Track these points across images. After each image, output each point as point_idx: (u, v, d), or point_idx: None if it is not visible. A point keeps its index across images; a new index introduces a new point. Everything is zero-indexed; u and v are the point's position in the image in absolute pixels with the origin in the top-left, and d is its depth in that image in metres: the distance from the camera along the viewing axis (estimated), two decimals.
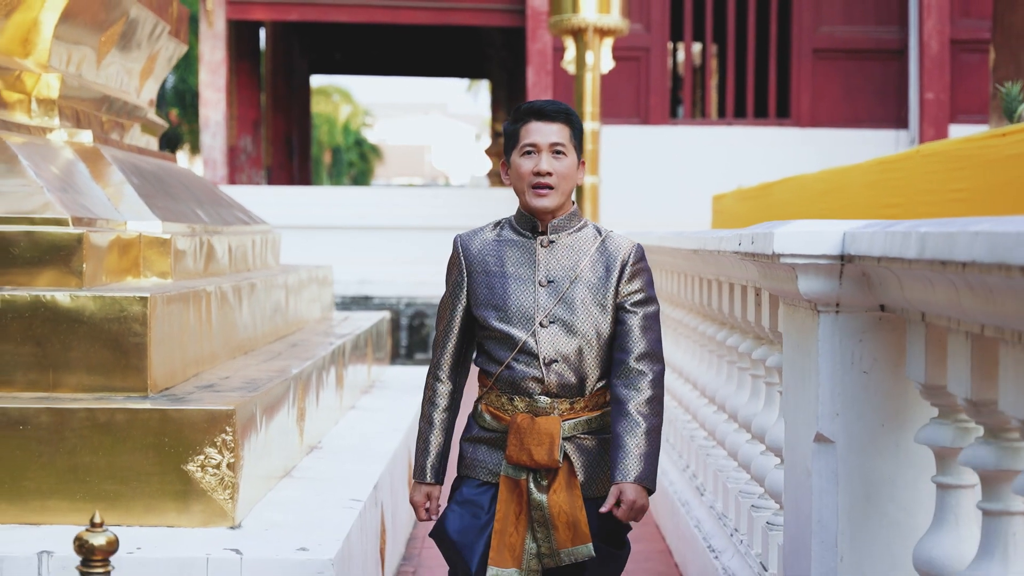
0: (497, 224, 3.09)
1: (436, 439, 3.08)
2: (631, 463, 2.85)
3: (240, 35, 18.96)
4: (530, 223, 3.01)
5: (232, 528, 3.73)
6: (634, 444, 2.86)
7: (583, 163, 3.00)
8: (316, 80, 34.48)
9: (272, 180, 20.92)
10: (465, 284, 3.04)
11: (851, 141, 16.27)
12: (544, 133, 2.94)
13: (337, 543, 3.62)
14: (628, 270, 2.95)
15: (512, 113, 3.03)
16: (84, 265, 4.17)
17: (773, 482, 3.70)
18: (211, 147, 17.21)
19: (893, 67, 16.67)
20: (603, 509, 2.86)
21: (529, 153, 2.95)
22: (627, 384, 2.90)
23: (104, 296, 3.95)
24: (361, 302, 14.84)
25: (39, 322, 3.93)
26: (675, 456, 5.81)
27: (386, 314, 8.25)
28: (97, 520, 2.12)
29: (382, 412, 6.29)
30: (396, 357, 14.38)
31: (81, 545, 2.08)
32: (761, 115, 17.11)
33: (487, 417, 3.02)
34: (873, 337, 2.58)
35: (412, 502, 3.13)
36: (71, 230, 4.20)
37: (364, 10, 16.84)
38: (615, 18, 13.25)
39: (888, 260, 2.28)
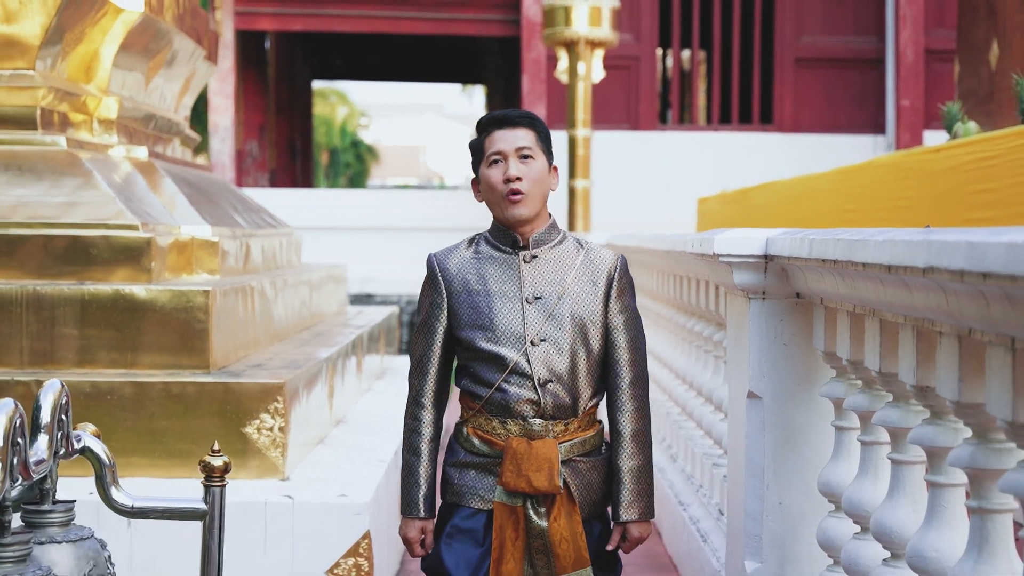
0: (471, 241, 2.99)
1: (425, 471, 2.95)
2: (636, 501, 2.93)
3: (246, 44, 19.72)
4: (509, 238, 2.92)
5: (282, 480, 4.52)
6: (634, 480, 2.92)
7: (555, 168, 2.92)
8: (314, 83, 35.21)
9: (276, 182, 21.69)
10: (445, 305, 2.93)
11: (831, 146, 17.07)
12: (509, 139, 2.87)
13: (370, 491, 4.41)
14: (616, 285, 2.92)
15: (476, 128, 2.96)
16: (152, 263, 4.96)
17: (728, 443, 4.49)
18: (220, 151, 17.99)
19: (871, 75, 17.49)
20: (609, 547, 2.95)
21: (496, 162, 2.87)
22: (623, 413, 2.93)
23: (172, 289, 4.74)
24: (363, 300, 15.56)
25: (118, 311, 4.71)
26: (654, 431, 6.61)
27: (395, 309, 9.06)
28: (216, 448, 2.90)
29: (395, 395, 7.07)
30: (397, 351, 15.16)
31: (205, 465, 2.86)
32: (745, 121, 17.91)
33: (475, 441, 2.91)
34: (791, 317, 3.37)
35: (406, 538, 3.00)
36: (141, 234, 4.98)
37: (367, 20, 17.64)
38: (606, 31, 14.01)
39: (794, 259, 3.08)
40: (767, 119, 17.82)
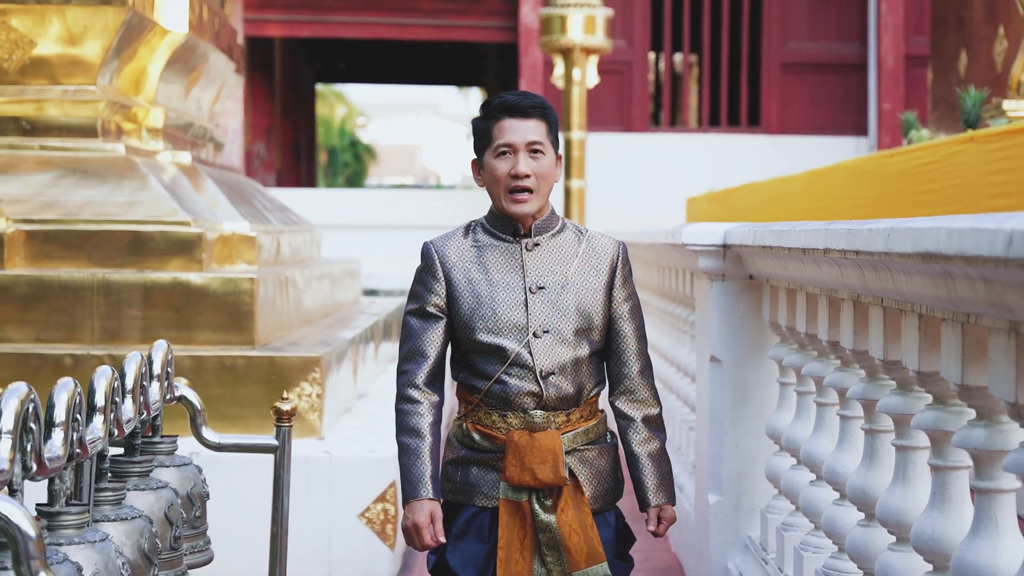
0: (468, 228, 2.88)
1: (430, 450, 2.80)
2: (665, 486, 2.87)
3: (254, 49, 20.47)
4: (510, 226, 2.82)
5: (319, 439, 5.27)
6: (659, 466, 2.87)
7: (560, 158, 2.81)
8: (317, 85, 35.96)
9: (281, 182, 22.44)
10: (444, 293, 2.81)
11: (816, 148, 17.81)
12: (520, 132, 2.73)
13: (394, 448, 5.16)
14: (619, 273, 2.86)
15: (482, 108, 2.81)
16: (203, 255, 5.71)
17: None
18: (229, 153, 18.70)
19: (854, 80, 18.28)
20: (650, 528, 2.86)
21: (504, 154, 2.74)
22: (635, 401, 2.85)
23: (223, 276, 5.50)
24: (367, 295, 16.27)
25: (177, 295, 5.47)
26: None
27: (404, 300, 9.82)
28: (285, 395, 3.65)
29: None
30: None
31: (276, 410, 3.60)
32: (734, 123, 18.68)
33: (475, 436, 2.81)
34: (745, 295, 4.13)
35: (413, 525, 2.77)
36: (192, 229, 5.73)
37: (372, 27, 18.41)
38: (599, 38, 14.76)
39: (744, 246, 3.84)
40: (754, 121, 18.58)
